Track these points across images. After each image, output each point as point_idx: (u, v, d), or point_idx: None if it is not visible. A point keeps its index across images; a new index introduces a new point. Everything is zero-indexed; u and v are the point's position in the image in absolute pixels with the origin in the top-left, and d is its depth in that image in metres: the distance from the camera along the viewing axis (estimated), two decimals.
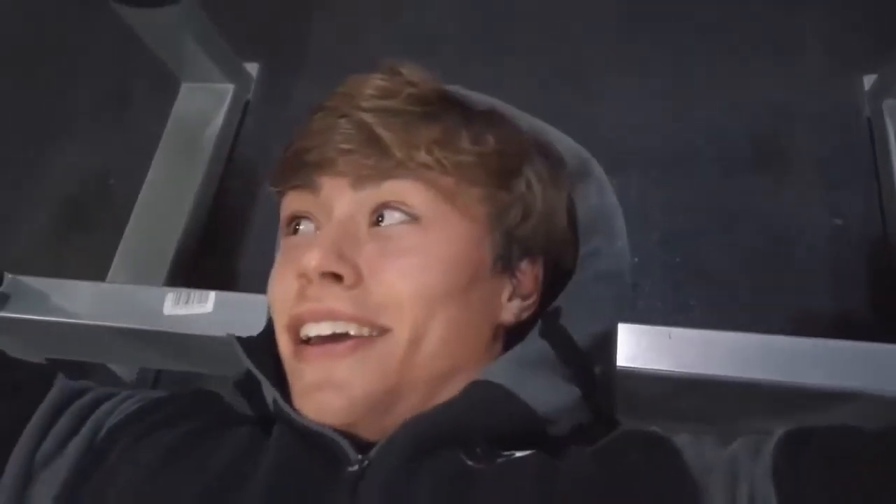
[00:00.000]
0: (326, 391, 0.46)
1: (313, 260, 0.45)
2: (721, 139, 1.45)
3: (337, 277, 0.46)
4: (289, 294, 0.48)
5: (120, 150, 1.60)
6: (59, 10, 1.77)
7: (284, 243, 0.52)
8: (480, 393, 0.47)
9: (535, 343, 0.51)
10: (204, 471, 0.46)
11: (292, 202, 0.51)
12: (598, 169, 0.60)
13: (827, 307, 1.27)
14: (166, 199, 1.47)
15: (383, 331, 0.47)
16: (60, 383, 0.53)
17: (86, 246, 1.48)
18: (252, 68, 1.66)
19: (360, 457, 0.45)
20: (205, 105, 1.57)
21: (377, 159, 0.48)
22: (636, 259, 1.34)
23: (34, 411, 0.50)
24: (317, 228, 0.50)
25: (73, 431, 0.51)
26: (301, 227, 0.51)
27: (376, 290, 0.46)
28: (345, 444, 0.46)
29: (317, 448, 0.46)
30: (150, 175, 1.50)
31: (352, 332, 0.46)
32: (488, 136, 0.51)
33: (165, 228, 1.42)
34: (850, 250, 1.32)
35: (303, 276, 0.47)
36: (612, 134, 1.44)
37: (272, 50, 1.69)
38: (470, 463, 0.44)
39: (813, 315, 1.26)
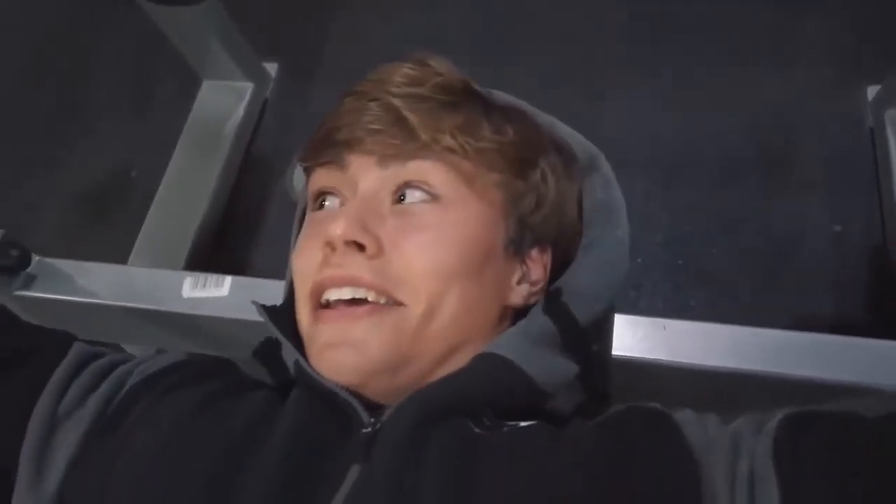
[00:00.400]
0: (342, 349, 0.48)
1: (338, 228, 0.48)
2: (724, 143, 1.48)
3: (360, 247, 0.49)
4: (313, 263, 0.51)
5: (142, 143, 1.65)
6: (86, 6, 1.82)
7: (310, 218, 0.55)
8: (486, 365, 0.50)
9: (538, 319, 0.53)
10: (223, 431, 0.49)
11: (321, 178, 0.54)
12: (605, 165, 0.63)
13: (826, 310, 1.30)
14: (185, 193, 1.51)
15: (398, 304, 0.49)
16: (78, 347, 0.56)
17: (107, 235, 1.53)
18: (271, 68, 1.70)
19: (372, 420, 0.48)
20: (225, 102, 1.61)
21: (403, 140, 0.50)
22: (639, 260, 1.37)
23: (54, 370, 0.53)
24: (342, 203, 0.53)
25: (93, 387, 0.54)
26: (327, 203, 0.54)
27: (396, 261, 0.49)
28: (358, 406, 0.48)
29: (332, 411, 0.49)
30: (171, 168, 1.55)
31: (370, 299, 0.49)
32: (508, 127, 0.54)
33: (183, 220, 1.47)
34: (849, 256, 1.34)
35: (328, 244, 0.49)
36: (616, 136, 1.45)
37: (290, 51, 1.73)
38: (477, 430, 0.47)
39: (812, 317, 1.28)
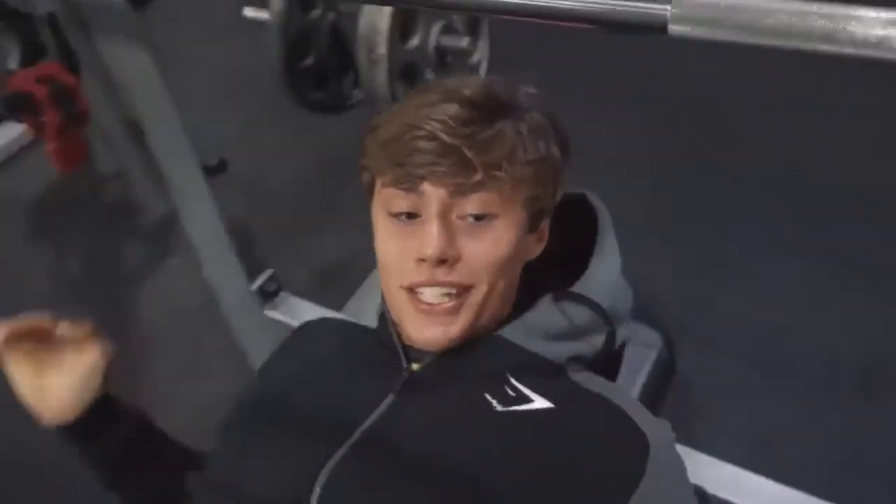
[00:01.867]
0: (440, 328, 0.68)
1: (430, 249, 0.64)
2: (827, 352, 1.62)
3: (444, 260, 0.65)
4: (405, 263, 0.67)
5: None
6: (344, 145, 2.27)
7: (394, 225, 0.68)
8: (494, 343, 0.70)
9: (546, 309, 0.71)
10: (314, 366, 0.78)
11: (400, 198, 0.67)
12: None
13: None
14: None
15: (469, 287, 0.67)
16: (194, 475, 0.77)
17: (325, 298, 1.78)
18: None
19: (409, 365, 0.70)
20: None
21: (466, 176, 0.64)
22: None
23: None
24: (417, 215, 0.67)
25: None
26: (404, 217, 0.68)
27: (469, 263, 0.66)
28: (402, 355, 0.71)
29: (385, 352, 0.73)
30: None
31: (453, 292, 0.67)
32: (539, 143, 0.68)
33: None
34: None
35: (422, 259, 0.65)
36: (723, 324, 1.65)
37: None
38: (493, 402, 0.66)
39: None
